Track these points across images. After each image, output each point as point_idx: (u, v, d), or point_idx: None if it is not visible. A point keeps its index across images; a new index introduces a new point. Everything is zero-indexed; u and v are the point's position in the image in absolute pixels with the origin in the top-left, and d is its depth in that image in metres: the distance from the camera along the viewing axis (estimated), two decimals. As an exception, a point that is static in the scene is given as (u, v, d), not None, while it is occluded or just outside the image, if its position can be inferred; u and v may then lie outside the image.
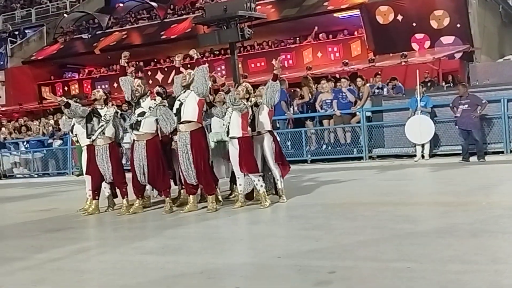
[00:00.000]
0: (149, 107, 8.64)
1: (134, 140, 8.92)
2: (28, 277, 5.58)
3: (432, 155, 13.71)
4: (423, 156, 13.60)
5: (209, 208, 8.49)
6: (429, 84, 18.30)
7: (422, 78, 18.33)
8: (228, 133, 8.54)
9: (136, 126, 8.68)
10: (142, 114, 8.66)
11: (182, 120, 8.43)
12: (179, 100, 8.52)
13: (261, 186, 8.50)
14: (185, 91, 8.54)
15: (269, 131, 8.74)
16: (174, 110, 8.51)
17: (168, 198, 8.88)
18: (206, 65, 8.47)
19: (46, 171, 19.78)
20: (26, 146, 20.26)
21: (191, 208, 8.61)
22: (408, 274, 4.60)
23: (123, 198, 9.18)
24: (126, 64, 8.95)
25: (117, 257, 6.14)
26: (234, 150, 8.55)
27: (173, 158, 9.19)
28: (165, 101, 8.70)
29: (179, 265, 5.52)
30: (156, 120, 8.68)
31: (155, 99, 8.65)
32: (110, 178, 9.22)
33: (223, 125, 8.66)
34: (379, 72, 17.29)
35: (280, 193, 8.80)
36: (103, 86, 27.41)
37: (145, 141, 8.71)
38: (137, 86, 8.73)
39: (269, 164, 8.68)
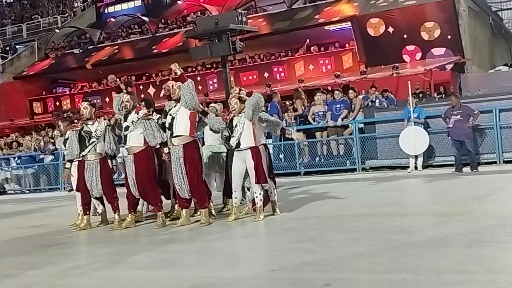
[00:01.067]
0: (132, 121, 8.64)
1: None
2: (19, 294, 5.52)
3: (425, 166, 13.71)
4: (416, 167, 13.58)
5: (202, 222, 8.42)
6: (420, 95, 18.34)
7: (414, 89, 18.38)
8: (238, 144, 8.41)
9: (124, 141, 8.70)
10: (127, 128, 8.66)
11: (174, 134, 8.40)
12: (170, 115, 8.49)
13: (260, 200, 8.44)
14: (176, 105, 8.50)
15: (263, 144, 8.69)
16: (167, 125, 8.48)
17: (160, 213, 8.81)
18: (190, 80, 8.43)
19: (38, 186, 19.65)
20: (18, 161, 20.14)
21: (184, 222, 8.55)
22: (403, 286, 4.56)
23: (114, 213, 9.10)
24: (115, 85, 8.99)
25: (109, 272, 6.07)
26: (241, 162, 8.46)
27: (167, 171, 9.13)
28: (151, 114, 8.70)
29: (172, 280, 5.46)
30: None
31: (138, 113, 8.65)
32: (98, 193, 9.15)
33: (233, 136, 8.50)
34: (375, 85, 17.31)
35: (274, 206, 8.76)
36: (94, 101, 27.35)
37: (132, 155, 8.68)
38: (126, 101, 8.73)
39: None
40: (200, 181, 8.47)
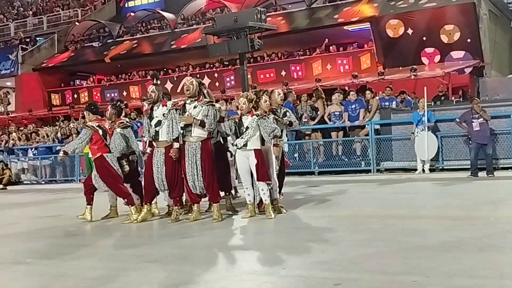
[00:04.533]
0: (163, 114, 8.63)
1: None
2: (32, 283, 5.57)
3: (440, 169, 13.66)
4: (423, 170, 13.60)
5: (214, 217, 8.46)
6: (442, 98, 18.16)
7: (436, 91, 18.25)
8: (245, 145, 8.42)
9: (156, 137, 8.68)
10: (159, 123, 8.65)
11: (192, 135, 8.43)
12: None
13: (268, 196, 8.44)
14: (195, 107, 8.48)
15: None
16: (182, 125, 8.45)
17: (176, 207, 8.85)
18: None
19: (54, 178, 19.82)
20: (34, 152, 20.32)
21: (196, 217, 8.58)
22: (414, 288, 4.56)
23: (130, 206, 9.14)
24: None
25: (122, 264, 6.11)
26: (245, 161, 8.47)
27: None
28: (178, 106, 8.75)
29: (182, 274, 5.48)
30: None
31: (166, 105, 8.67)
32: (104, 189, 9.19)
33: (242, 137, 8.39)
34: (390, 86, 17.23)
35: (276, 203, 8.72)
36: (112, 95, 27.58)
37: (163, 148, 8.68)
38: (151, 92, 8.74)
39: (273, 175, 8.65)
40: (215, 176, 8.51)
